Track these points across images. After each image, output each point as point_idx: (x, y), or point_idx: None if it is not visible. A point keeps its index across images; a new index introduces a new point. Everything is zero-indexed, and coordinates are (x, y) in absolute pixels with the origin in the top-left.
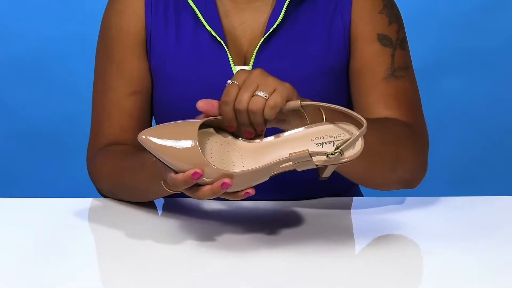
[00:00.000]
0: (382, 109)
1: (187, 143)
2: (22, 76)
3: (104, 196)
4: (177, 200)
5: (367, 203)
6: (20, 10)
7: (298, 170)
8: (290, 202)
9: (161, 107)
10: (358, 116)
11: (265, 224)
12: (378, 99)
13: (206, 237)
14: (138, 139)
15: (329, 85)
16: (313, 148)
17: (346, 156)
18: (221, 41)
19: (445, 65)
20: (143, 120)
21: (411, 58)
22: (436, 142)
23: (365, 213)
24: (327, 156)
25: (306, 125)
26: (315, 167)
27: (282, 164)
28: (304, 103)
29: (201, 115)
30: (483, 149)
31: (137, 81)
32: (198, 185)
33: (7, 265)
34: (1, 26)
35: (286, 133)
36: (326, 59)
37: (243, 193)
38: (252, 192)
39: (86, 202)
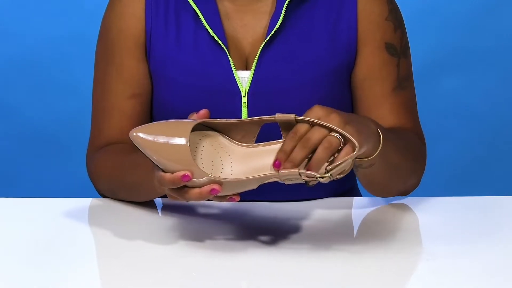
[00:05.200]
0: (392, 120)
1: (177, 142)
2: (22, 76)
3: (104, 196)
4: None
5: (367, 203)
6: (20, 10)
7: (286, 184)
8: (290, 202)
9: (161, 109)
10: (353, 140)
11: (266, 225)
12: (389, 111)
13: (206, 237)
14: (129, 136)
15: (333, 87)
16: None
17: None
18: (222, 44)
19: (445, 65)
20: (143, 122)
21: (411, 58)
22: (436, 142)
23: (365, 213)
24: (316, 178)
25: None
26: (303, 182)
27: (270, 178)
28: (298, 117)
29: (194, 115)
30: (483, 149)
31: (137, 84)
32: (184, 186)
33: (7, 265)
34: (1, 26)
35: (278, 142)
36: (331, 60)
37: (228, 197)
38: (237, 199)
39: (86, 202)
